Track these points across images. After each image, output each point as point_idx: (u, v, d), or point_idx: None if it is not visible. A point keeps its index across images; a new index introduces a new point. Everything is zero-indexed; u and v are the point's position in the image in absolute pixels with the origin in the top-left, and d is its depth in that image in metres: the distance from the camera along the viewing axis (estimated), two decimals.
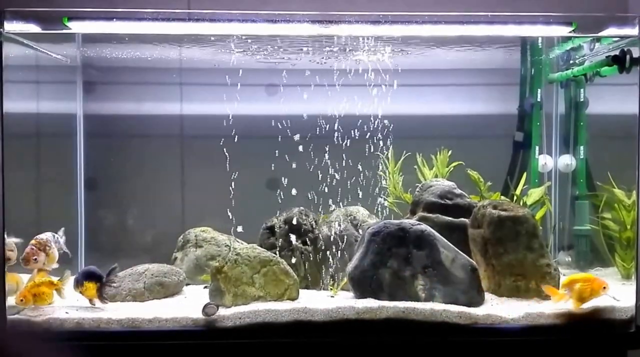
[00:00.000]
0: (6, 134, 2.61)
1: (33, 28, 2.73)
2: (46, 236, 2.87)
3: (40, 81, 3.45)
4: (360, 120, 3.22)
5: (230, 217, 3.09)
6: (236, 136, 3.15)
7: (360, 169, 3.28)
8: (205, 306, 2.60)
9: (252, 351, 2.61)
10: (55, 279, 2.78)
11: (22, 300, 2.65)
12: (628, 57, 2.94)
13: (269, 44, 3.12)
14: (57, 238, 2.91)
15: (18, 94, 2.92)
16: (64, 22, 2.73)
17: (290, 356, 2.63)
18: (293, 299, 2.78)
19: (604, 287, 2.64)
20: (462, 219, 3.16)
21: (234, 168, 3.19)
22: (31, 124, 3.42)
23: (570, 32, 2.90)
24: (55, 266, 2.87)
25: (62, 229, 2.97)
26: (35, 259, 2.77)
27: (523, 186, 3.49)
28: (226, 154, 3.14)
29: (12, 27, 2.66)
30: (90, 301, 2.74)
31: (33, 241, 2.82)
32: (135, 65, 3.59)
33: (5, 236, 2.70)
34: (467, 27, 2.85)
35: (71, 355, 2.54)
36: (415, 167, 3.55)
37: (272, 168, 3.19)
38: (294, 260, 3.08)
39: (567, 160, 3.67)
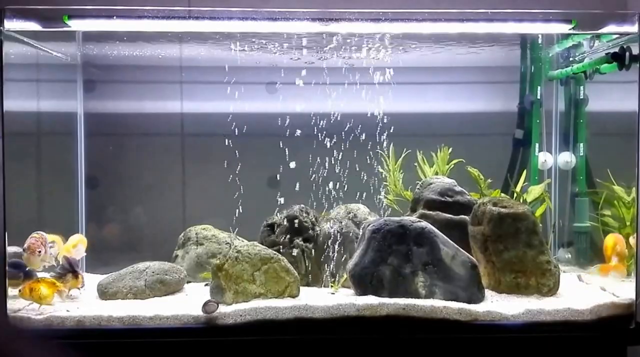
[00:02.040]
0: (6, 132, 2.61)
1: (33, 26, 2.73)
2: (43, 233, 2.87)
3: (41, 79, 3.45)
4: (361, 118, 3.23)
5: (235, 215, 3.10)
6: (236, 134, 3.16)
7: (362, 167, 3.29)
8: (205, 304, 2.61)
9: (253, 348, 2.61)
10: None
11: (20, 290, 2.66)
12: (628, 54, 2.93)
13: (270, 40, 3.12)
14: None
15: (18, 92, 2.92)
16: (64, 20, 2.74)
17: (291, 353, 2.64)
18: (294, 296, 2.79)
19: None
20: (462, 216, 3.17)
21: (235, 166, 3.19)
22: (32, 123, 3.42)
23: (570, 29, 2.90)
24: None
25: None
26: (40, 251, 2.77)
27: (523, 183, 3.49)
28: (228, 151, 3.15)
29: (12, 25, 2.66)
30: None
31: (35, 235, 2.82)
32: (136, 64, 3.59)
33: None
34: (466, 24, 2.85)
35: (72, 353, 2.55)
36: (416, 164, 3.55)
37: (273, 166, 3.19)
38: (294, 257, 3.09)
39: (566, 158, 3.67)
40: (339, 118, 3.19)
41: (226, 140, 3.14)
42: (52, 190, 3.52)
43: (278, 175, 3.25)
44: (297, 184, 3.15)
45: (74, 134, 3.56)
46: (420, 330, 2.61)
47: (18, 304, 2.69)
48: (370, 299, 2.68)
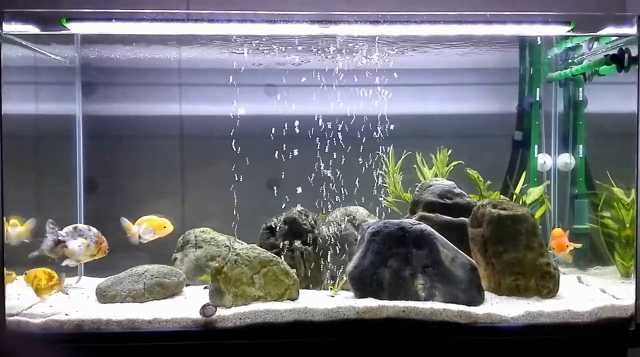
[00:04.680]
0: (5, 135, 2.61)
1: (32, 29, 2.72)
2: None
3: (40, 82, 3.45)
4: (361, 120, 3.23)
5: (234, 217, 3.10)
6: (234, 136, 3.16)
7: (361, 169, 3.29)
8: (203, 307, 2.60)
9: (252, 352, 2.60)
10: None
11: (25, 273, 2.73)
12: (626, 56, 2.94)
13: (272, 43, 3.12)
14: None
15: (17, 95, 2.91)
16: (62, 23, 2.73)
17: (290, 356, 2.63)
18: (293, 299, 2.78)
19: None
20: (462, 218, 3.17)
21: (234, 168, 3.19)
22: (30, 125, 3.42)
23: (568, 31, 2.90)
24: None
25: None
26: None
27: (522, 184, 3.49)
28: (227, 154, 3.15)
29: (11, 28, 2.65)
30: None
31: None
32: (134, 66, 3.59)
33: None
34: (465, 26, 2.85)
35: None
36: (415, 166, 3.55)
37: (272, 168, 3.19)
38: (293, 260, 3.08)
39: (566, 159, 3.67)
40: (338, 120, 3.19)
41: (233, 142, 3.14)
42: (50, 192, 3.52)
43: (277, 178, 3.25)
44: (297, 186, 3.14)
45: (72, 136, 3.56)
46: (420, 333, 2.60)
47: (16, 309, 2.69)
48: (370, 302, 2.68)
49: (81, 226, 2.99)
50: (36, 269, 2.74)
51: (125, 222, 3.14)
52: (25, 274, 2.72)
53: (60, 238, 2.87)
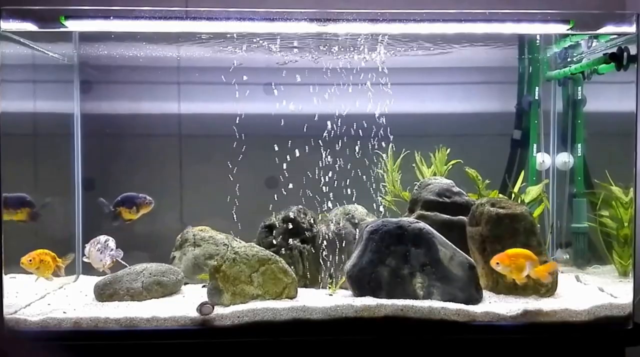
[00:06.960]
0: (3, 133, 2.60)
1: (30, 27, 2.72)
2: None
3: (38, 80, 3.44)
4: (360, 119, 3.22)
5: (233, 216, 3.10)
6: (232, 135, 3.16)
7: (360, 168, 3.29)
8: (201, 306, 2.60)
9: (250, 350, 2.60)
10: None
11: (30, 260, 2.71)
12: (625, 54, 2.93)
13: (267, 41, 3.12)
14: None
15: (15, 93, 2.91)
16: (61, 20, 2.73)
17: (289, 354, 2.63)
18: (291, 298, 2.78)
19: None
20: (460, 217, 3.16)
21: (233, 167, 3.19)
22: (28, 124, 3.41)
23: (567, 29, 2.90)
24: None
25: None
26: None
27: (521, 183, 3.50)
28: (226, 152, 3.15)
29: (9, 25, 2.65)
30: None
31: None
32: (133, 64, 3.58)
33: None
34: (465, 25, 2.85)
35: (69, 355, 2.54)
36: (414, 165, 3.55)
37: (271, 167, 3.19)
38: (292, 259, 3.08)
39: (564, 158, 3.67)
40: (337, 119, 3.19)
41: (230, 139, 3.15)
42: (48, 190, 3.51)
43: (275, 176, 3.24)
44: (295, 185, 3.14)
45: (71, 134, 3.55)
46: (418, 331, 2.60)
47: (15, 307, 2.69)
48: (368, 301, 2.68)
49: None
50: (33, 252, 2.74)
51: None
52: (30, 261, 2.72)
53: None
